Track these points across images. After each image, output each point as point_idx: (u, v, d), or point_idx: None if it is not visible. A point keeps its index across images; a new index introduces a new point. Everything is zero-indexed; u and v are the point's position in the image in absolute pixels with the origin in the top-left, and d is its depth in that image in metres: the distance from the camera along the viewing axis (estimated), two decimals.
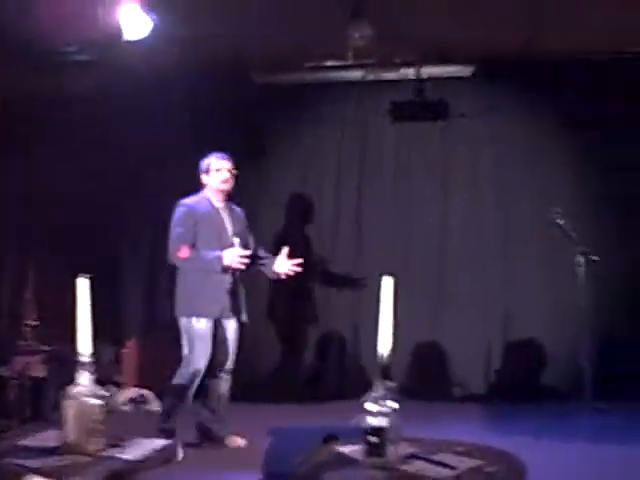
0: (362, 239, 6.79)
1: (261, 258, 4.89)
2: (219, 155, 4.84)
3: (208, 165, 4.82)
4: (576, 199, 6.50)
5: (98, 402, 2.41)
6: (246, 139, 6.61)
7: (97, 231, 6.69)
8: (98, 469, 2.22)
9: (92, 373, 2.43)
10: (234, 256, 4.54)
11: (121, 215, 6.84)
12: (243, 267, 4.62)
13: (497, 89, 6.64)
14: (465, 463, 2.30)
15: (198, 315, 4.62)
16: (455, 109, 6.70)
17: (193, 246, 4.63)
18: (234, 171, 4.84)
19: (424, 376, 6.62)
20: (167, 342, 6.65)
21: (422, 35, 5.93)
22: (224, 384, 4.77)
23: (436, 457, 2.34)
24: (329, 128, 6.94)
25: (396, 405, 2.28)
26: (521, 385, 6.44)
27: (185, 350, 4.66)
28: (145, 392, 6.30)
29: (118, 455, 2.36)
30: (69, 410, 2.38)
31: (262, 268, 4.90)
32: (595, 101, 6.39)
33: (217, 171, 4.79)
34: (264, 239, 5.62)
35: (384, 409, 2.26)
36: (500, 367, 6.55)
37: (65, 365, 4.52)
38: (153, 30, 5.29)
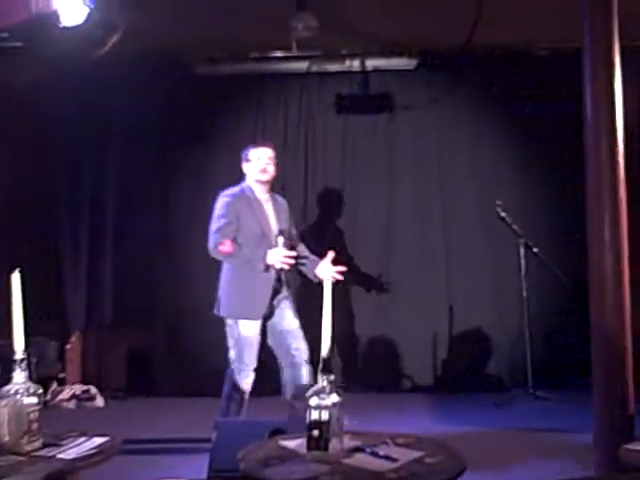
0: (307, 231, 6.76)
1: (302, 257, 4.67)
2: (259, 143, 4.68)
3: (247, 153, 4.62)
4: (519, 190, 6.61)
5: (33, 400, 2.35)
6: (187, 131, 6.53)
7: (38, 226, 6.56)
8: (34, 469, 2.17)
9: (27, 370, 2.37)
10: (279, 256, 4.37)
11: (61, 209, 6.72)
12: (287, 267, 4.47)
13: (441, 81, 6.67)
14: (407, 455, 2.31)
15: (247, 318, 4.47)
16: (399, 101, 6.73)
17: (235, 239, 4.45)
18: (275, 160, 4.63)
19: (373, 369, 6.67)
20: (111, 338, 6.62)
21: (366, 27, 5.92)
22: (304, 375, 4.64)
23: (379, 449, 2.35)
24: (273, 120, 6.88)
25: (337, 398, 2.27)
26: (466, 375, 6.54)
27: (232, 351, 4.52)
28: (89, 388, 6.22)
29: (56, 454, 2.31)
30: (4, 409, 2.32)
31: (302, 268, 4.71)
32: (535, 94, 6.49)
33: (257, 160, 4.58)
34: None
35: (325, 402, 2.25)
36: (446, 358, 6.62)
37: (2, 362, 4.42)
38: (90, 16, 4.88)
